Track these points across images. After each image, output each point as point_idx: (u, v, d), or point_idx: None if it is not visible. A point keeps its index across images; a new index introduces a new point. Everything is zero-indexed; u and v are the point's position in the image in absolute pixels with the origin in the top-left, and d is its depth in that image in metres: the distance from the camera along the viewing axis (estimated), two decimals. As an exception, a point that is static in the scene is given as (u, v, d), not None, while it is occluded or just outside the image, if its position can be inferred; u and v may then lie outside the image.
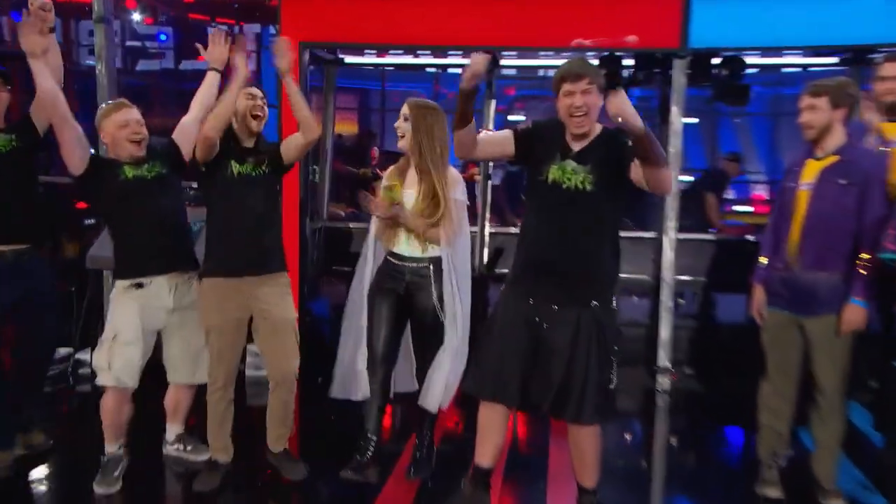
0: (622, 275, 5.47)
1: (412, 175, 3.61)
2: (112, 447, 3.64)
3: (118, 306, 3.54)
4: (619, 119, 2.71)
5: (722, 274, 5.85)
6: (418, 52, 6.12)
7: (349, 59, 6.24)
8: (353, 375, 3.69)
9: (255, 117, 3.56)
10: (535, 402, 3.21)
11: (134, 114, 3.52)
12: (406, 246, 3.61)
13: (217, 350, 3.57)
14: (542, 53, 6.00)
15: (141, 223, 3.53)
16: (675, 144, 5.29)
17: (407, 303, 3.63)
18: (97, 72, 5.35)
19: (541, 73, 8.23)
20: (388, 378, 3.68)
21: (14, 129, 3.73)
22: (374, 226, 3.72)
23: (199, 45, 3.56)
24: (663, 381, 5.42)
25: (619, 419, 4.75)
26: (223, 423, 3.68)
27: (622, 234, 3.20)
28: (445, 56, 6.26)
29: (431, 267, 3.59)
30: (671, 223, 5.35)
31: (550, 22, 5.31)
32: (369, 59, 6.36)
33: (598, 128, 3.17)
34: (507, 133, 3.16)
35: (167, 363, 3.75)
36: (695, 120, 10.90)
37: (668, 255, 5.37)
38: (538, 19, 5.32)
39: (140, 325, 3.53)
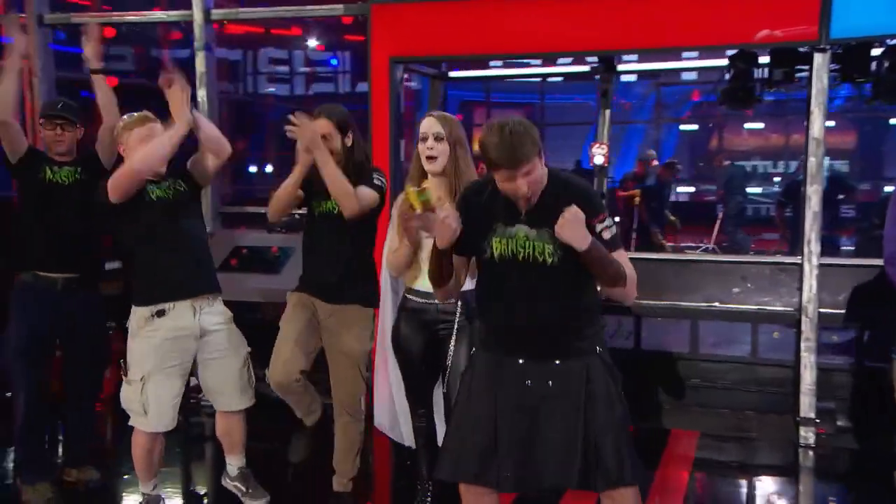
0: (760, 306, 4.84)
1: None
2: (147, 487, 3.45)
3: (141, 343, 3.29)
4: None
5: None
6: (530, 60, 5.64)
7: (454, 73, 5.86)
8: (396, 418, 3.44)
9: None
10: (538, 482, 2.60)
11: (157, 129, 3.28)
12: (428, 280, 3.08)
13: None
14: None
15: (163, 246, 3.30)
16: (817, 154, 4.49)
17: (435, 348, 3.18)
18: (199, 98, 5.29)
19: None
20: (431, 422, 3.34)
21: (79, 162, 3.78)
22: (386, 253, 3.30)
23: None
24: (807, 435, 4.59)
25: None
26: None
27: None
28: (554, 63, 5.74)
29: (460, 304, 3.10)
30: (813, 247, 4.53)
31: (668, 19, 4.70)
32: (476, 71, 5.94)
33: (545, 178, 2.53)
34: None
35: (207, 392, 3.50)
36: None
37: (810, 283, 4.55)
38: (655, 17, 4.73)
39: (167, 362, 3.27)
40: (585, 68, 5.92)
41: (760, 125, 17.63)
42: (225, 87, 17.35)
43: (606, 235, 2.52)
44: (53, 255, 3.63)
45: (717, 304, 5.13)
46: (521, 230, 2.53)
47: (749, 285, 5.15)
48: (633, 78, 18.99)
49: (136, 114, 3.36)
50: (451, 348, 3.11)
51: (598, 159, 5.29)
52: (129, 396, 3.29)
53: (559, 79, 18.50)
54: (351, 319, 3.38)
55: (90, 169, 3.73)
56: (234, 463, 3.58)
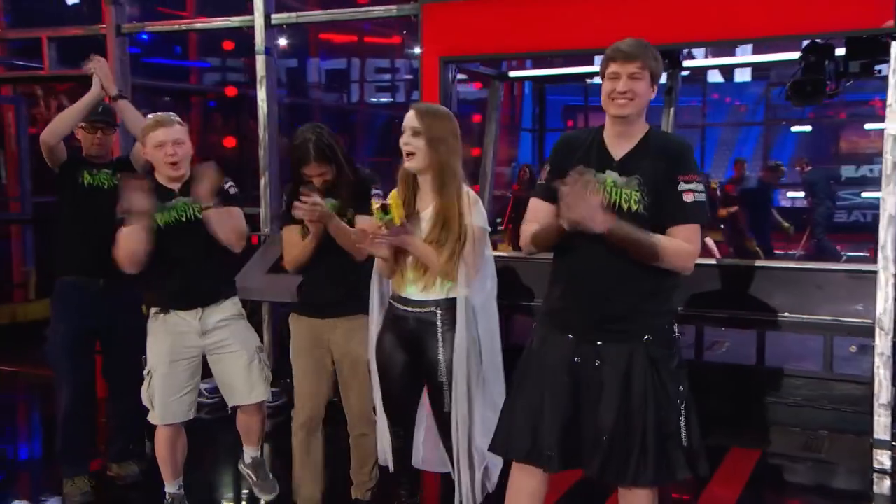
0: (834, 317, 4.48)
1: (424, 198, 2.95)
2: (171, 486, 3.49)
3: (152, 338, 3.38)
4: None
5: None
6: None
7: (514, 73, 5.73)
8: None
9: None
10: (580, 462, 2.57)
11: (172, 133, 3.26)
12: (412, 287, 2.95)
13: None
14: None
15: (167, 267, 3.32)
16: (894, 153, 4.10)
17: (417, 359, 3.00)
18: (259, 100, 5.40)
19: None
20: (410, 446, 3.16)
21: (115, 165, 3.88)
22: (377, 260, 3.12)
23: None
24: (882, 459, 4.19)
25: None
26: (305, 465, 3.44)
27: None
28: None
29: (439, 313, 2.91)
30: (889, 253, 4.14)
31: (735, 9, 4.44)
32: (534, 71, 5.79)
33: (644, 128, 2.54)
34: (539, 202, 2.62)
35: (220, 388, 3.51)
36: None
37: (885, 293, 4.16)
38: (721, 7, 4.48)
39: (171, 358, 3.33)
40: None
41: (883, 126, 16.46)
42: (331, 97, 17.81)
43: (687, 198, 2.45)
44: (95, 259, 3.67)
45: (787, 313, 4.78)
46: (610, 176, 2.49)
47: (823, 294, 4.78)
48: (747, 78, 18.24)
49: (157, 115, 3.36)
50: (441, 359, 2.92)
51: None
52: (144, 392, 3.37)
53: (663, 81, 18.00)
54: (355, 327, 3.30)
55: (126, 172, 3.71)
56: (249, 452, 3.60)
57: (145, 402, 3.37)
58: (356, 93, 17.57)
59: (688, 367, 4.87)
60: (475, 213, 2.85)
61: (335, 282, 3.28)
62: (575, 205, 2.32)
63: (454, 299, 2.89)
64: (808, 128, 16.96)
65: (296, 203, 3.06)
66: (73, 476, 3.78)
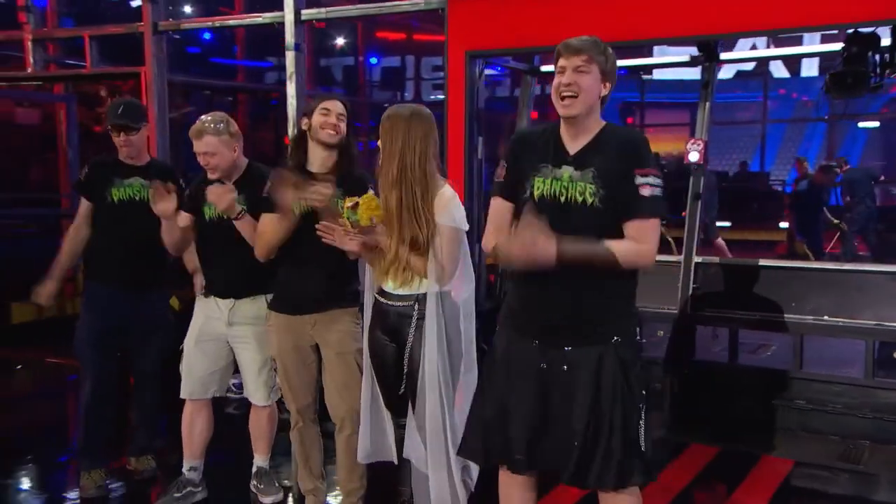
0: (877, 321, 4.27)
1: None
2: (185, 465, 3.59)
3: (193, 317, 3.60)
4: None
5: None
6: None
7: (546, 67, 5.60)
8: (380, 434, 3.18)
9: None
10: (550, 466, 2.53)
11: (204, 145, 3.34)
12: (391, 282, 2.96)
13: None
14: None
15: (210, 259, 3.54)
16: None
17: (400, 349, 3.00)
18: (288, 95, 5.42)
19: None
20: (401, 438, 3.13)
21: (150, 171, 3.79)
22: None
23: None
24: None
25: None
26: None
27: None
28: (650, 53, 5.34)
29: (416, 307, 2.92)
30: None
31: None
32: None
33: (600, 123, 2.50)
34: (496, 214, 2.60)
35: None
36: None
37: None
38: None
39: (199, 337, 3.53)
40: (684, 58, 5.46)
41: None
42: (386, 94, 17.89)
43: (644, 192, 2.42)
44: (120, 269, 3.72)
45: (825, 317, 4.57)
46: (566, 171, 2.46)
47: (865, 297, 4.55)
48: (814, 73, 17.60)
49: (199, 120, 3.40)
50: (409, 347, 2.94)
51: (693, 156, 4.85)
52: (181, 364, 3.57)
53: (728, 76, 17.51)
54: (335, 319, 3.28)
55: (161, 178, 3.67)
56: (256, 461, 3.67)
57: (182, 373, 3.56)
58: (410, 90, 17.63)
59: (721, 370, 4.82)
60: (445, 213, 2.84)
61: (315, 280, 3.25)
62: (520, 256, 2.37)
63: (424, 294, 2.90)
64: (875, 123, 16.31)
65: (313, 187, 3.05)
66: (91, 469, 3.82)
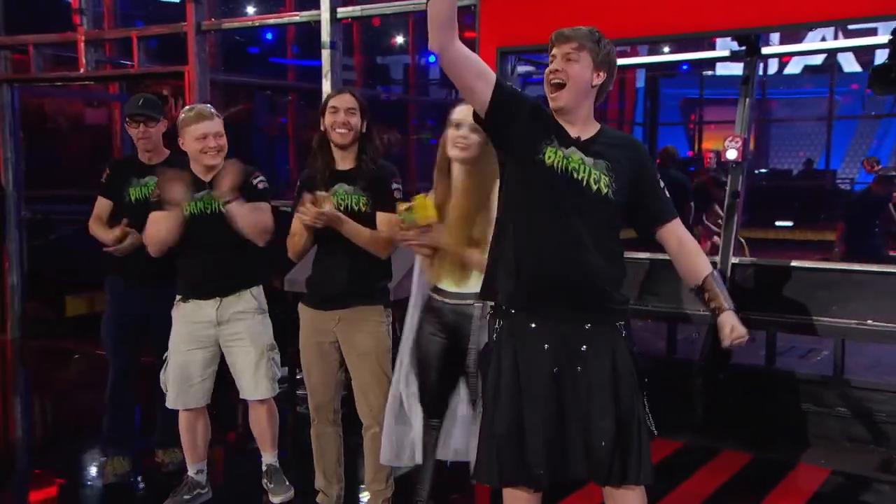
0: None
1: (454, 192, 2.98)
2: (191, 469, 3.59)
3: (173, 325, 3.49)
4: None
5: None
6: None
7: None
8: (404, 435, 3.15)
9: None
10: (575, 475, 2.47)
11: (213, 126, 3.32)
12: (448, 280, 2.96)
13: None
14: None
15: (189, 251, 3.41)
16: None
17: (454, 351, 2.99)
18: (324, 92, 5.43)
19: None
20: (437, 436, 3.13)
21: (166, 166, 3.81)
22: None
23: None
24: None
25: None
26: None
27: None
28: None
29: (478, 305, 2.89)
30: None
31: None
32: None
33: (596, 125, 2.50)
34: (491, 72, 2.42)
35: (234, 378, 3.56)
36: None
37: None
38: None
39: (186, 346, 3.43)
40: (724, 53, 5.29)
41: None
42: (443, 92, 17.87)
43: (667, 194, 2.51)
44: (137, 265, 3.76)
45: (869, 321, 4.37)
46: (576, 153, 2.41)
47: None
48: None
49: (194, 107, 3.42)
50: (471, 349, 2.92)
51: (731, 154, 4.69)
52: (161, 375, 3.49)
53: (795, 70, 16.98)
54: (361, 318, 3.25)
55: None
56: (264, 459, 3.63)
57: (162, 385, 3.48)
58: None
59: (757, 374, 4.66)
60: None
61: (342, 274, 3.22)
62: None
63: None
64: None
65: (299, 209, 3.08)
66: (113, 456, 3.93)
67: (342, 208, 3.17)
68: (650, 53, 12.16)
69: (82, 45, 6.50)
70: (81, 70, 6.58)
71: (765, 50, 4.96)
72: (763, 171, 15.20)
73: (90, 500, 3.99)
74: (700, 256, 2.53)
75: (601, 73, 2.42)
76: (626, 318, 2.49)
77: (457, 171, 2.98)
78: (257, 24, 5.77)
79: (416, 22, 11.98)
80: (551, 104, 2.42)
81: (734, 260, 4.68)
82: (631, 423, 2.41)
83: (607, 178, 2.38)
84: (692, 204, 7.53)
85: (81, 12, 6.55)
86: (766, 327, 4.70)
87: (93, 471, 4.20)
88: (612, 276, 2.44)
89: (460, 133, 2.92)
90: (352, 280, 3.22)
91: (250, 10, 13.04)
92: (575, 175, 2.37)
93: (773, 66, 16.64)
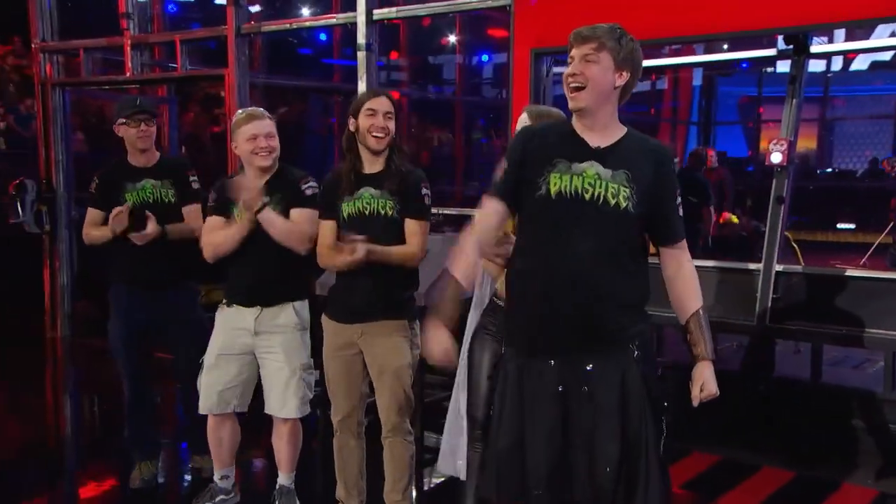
0: None
1: None
2: (216, 474, 3.56)
3: (215, 327, 3.46)
4: None
5: None
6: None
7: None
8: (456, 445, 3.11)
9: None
10: (571, 496, 2.34)
11: (264, 126, 3.27)
12: None
13: None
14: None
15: (238, 261, 3.35)
16: None
17: None
18: (358, 93, 5.40)
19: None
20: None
21: (162, 170, 3.83)
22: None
23: None
24: None
25: None
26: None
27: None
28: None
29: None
30: None
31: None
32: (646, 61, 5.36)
33: (621, 128, 2.34)
34: (493, 202, 2.43)
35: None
36: None
37: None
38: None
39: (221, 351, 3.39)
40: (770, 51, 5.08)
41: None
42: (494, 92, 17.75)
43: (681, 213, 2.39)
44: (138, 270, 3.75)
45: (923, 334, 4.14)
46: (591, 168, 2.29)
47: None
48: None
49: (247, 110, 3.39)
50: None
51: (776, 157, 4.49)
52: (199, 379, 3.46)
53: (863, 67, 16.36)
54: (383, 333, 3.17)
55: (175, 178, 3.80)
56: (279, 478, 3.55)
57: (198, 389, 3.46)
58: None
59: (802, 388, 4.46)
60: None
61: (365, 286, 3.13)
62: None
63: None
64: None
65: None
66: (140, 461, 3.94)
67: (368, 213, 3.12)
68: (707, 52, 11.86)
69: (128, 48, 6.61)
70: (128, 74, 6.68)
71: (814, 48, 4.73)
72: (827, 171, 14.68)
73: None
74: (692, 290, 2.37)
75: (624, 73, 2.30)
76: (641, 338, 2.35)
77: None
78: (294, 26, 5.77)
79: (464, 22, 11.93)
80: (571, 104, 2.31)
81: (778, 268, 4.48)
82: (639, 450, 2.29)
83: (627, 190, 2.26)
84: (712, 209, 7.58)
85: (128, 16, 6.66)
86: (812, 339, 4.49)
87: (123, 474, 4.22)
88: (625, 294, 2.31)
89: None
90: (375, 293, 3.14)
91: (305, 11, 13.16)
92: (585, 194, 2.27)
93: (837, 63, 16.08)
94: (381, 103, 3.09)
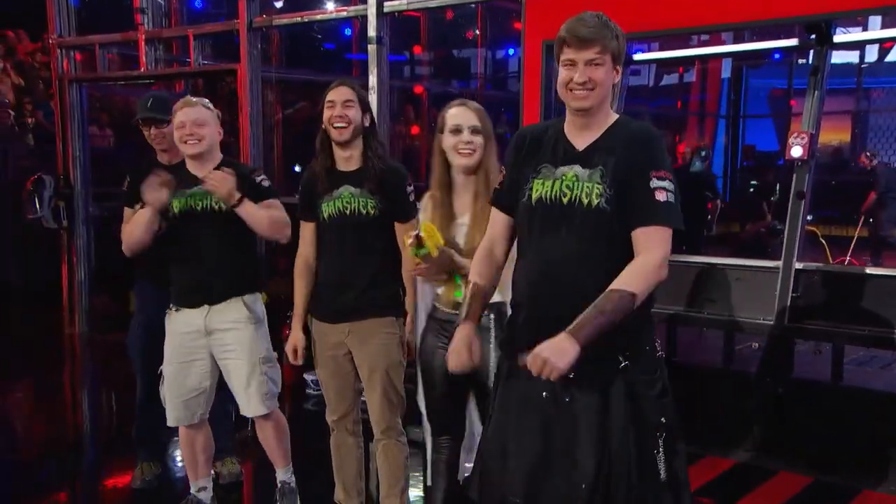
0: None
1: (464, 200, 2.82)
2: (193, 487, 3.47)
3: (166, 336, 3.34)
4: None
5: None
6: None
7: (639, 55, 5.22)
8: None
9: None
10: None
11: (193, 113, 3.14)
12: (462, 293, 2.74)
13: None
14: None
15: (180, 259, 3.27)
16: None
17: None
18: (369, 87, 5.34)
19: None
20: (455, 455, 2.96)
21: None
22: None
23: None
24: None
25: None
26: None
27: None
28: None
29: (493, 317, 2.71)
30: None
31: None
32: (662, 53, 5.23)
33: (611, 117, 2.22)
34: (494, 211, 2.41)
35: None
36: None
37: None
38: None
39: (179, 357, 3.28)
40: (791, 42, 4.91)
41: None
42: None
43: (660, 197, 2.16)
44: (162, 270, 3.59)
45: (950, 335, 3.97)
46: (571, 170, 2.22)
47: None
48: None
49: (183, 98, 3.26)
50: (493, 366, 2.69)
51: (796, 151, 4.32)
52: (160, 389, 3.36)
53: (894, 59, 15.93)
54: (369, 331, 3.09)
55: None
56: (277, 475, 3.49)
57: (161, 400, 3.36)
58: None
59: (821, 393, 4.30)
60: None
61: (350, 284, 3.07)
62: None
63: (503, 302, 2.65)
64: None
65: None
66: (143, 461, 3.91)
67: (349, 212, 3.03)
68: (735, 41, 11.61)
69: (143, 43, 6.59)
70: (142, 69, 6.67)
71: (839, 38, 4.55)
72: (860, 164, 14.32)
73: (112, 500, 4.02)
74: (627, 274, 2.12)
75: (619, 69, 2.23)
76: (634, 348, 2.20)
77: (461, 180, 2.83)
78: (306, 20, 5.71)
79: (487, 15, 11.82)
80: (577, 104, 2.18)
81: (798, 265, 4.33)
82: (619, 471, 2.16)
83: (600, 188, 2.16)
84: (718, 201, 7.68)
85: (142, 11, 6.63)
86: (833, 339, 4.33)
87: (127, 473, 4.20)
88: None
89: (462, 138, 2.77)
90: (360, 291, 3.07)
91: (330, 5, 13.13)
92: (564, 198, 2.19)
93: (872, 53, 15.69)
94: (340, 93, 3.00)
